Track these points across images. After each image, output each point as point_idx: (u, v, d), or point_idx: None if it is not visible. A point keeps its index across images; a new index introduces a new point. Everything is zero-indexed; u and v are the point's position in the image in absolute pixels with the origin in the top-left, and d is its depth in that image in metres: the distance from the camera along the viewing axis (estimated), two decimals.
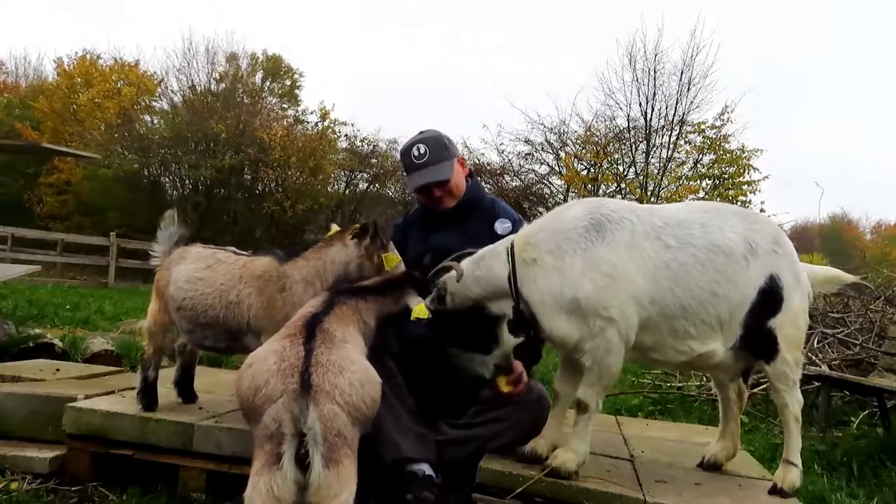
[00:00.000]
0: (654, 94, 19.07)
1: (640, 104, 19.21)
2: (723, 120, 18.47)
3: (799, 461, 2.53)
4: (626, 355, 2.55)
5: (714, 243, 2.45)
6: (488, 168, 19.15)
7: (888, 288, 7.02)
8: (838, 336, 6.25)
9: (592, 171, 19.42)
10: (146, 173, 22.26)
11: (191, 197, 21.46)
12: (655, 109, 19.11)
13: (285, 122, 24.33)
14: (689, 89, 18.80)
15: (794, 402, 2.53)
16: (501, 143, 20.18)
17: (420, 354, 2.73)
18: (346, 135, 23.54)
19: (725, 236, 2.47)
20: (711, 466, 2.75)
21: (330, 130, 23.56)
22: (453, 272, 2.51)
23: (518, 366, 2.69)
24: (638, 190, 18.37)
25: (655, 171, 18.87)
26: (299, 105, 28.07)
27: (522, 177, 19.36)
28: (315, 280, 2.62)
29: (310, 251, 2.72)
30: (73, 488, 2.76)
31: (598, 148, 18.96)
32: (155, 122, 24.52)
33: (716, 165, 18.74)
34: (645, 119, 19.19)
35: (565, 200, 18.90)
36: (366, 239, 2.66)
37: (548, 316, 2.43)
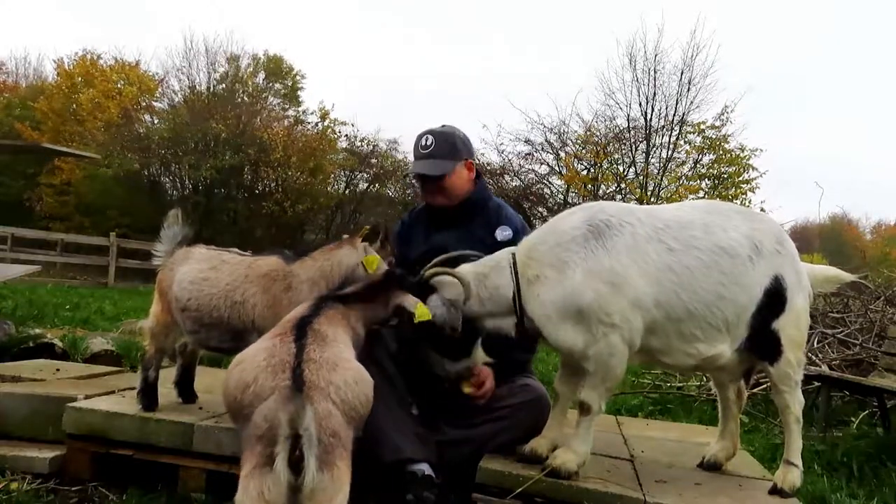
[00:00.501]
0: (654, 94, 19.15)
1: (640, 104, 19.27)
2: (722, 120, 18.50)
3: (799, 461, 2.53)
4: (636, 359, 2.55)
5: (718, 245, 2.44)
6: (488, 168, 19.17)
7: (888, 288, 7.02)
8: (838, 336, 6.24)
9: (592, 171, 19.44)
10: (146, 173, 22.29)
11: (191, 197, 21.47)
12: (655, 109, 19.17)
13: (286, 123, 24.35)
14: (689, 89, 18.87)
15: (795, 403, 2.53)
16: (501, 143, 20.25)
17: (419, 355, 2.73)
18: (346, 135, 23.58)
19: (729, 237, 2.46)
20: (711, 466, 2.75)
21: (330, 130, 23.56)
22: (453, 290, 2.43)
23: (483, 371, 2.68)
24: (638, 190, 18.39)
25: (655, 171, 18.89)
26: (300, 105, 28.12)
27: (522, 177, 19.40)
28: (321, 280, 2.61)
29: (318, 252, 2.72)
30: (73, 488, 2.75)
31: (598, 148, 18.99)
32: (155, 122, 24.53)
33: (715, 165, 18.76)
34: (645, 119, 19.23)
35: (565, 200, 18.93)
36: (376, 242, 2.66)
37: (553, 328, 2.42)
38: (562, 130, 19.56)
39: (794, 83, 67.21)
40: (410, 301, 2.38)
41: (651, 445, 3.11)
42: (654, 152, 19.16)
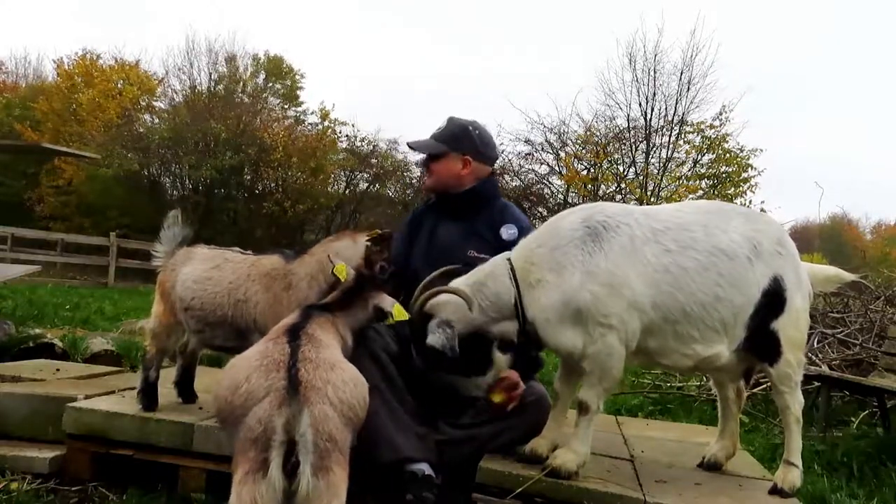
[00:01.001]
0: (654, 94, 19.13)
1: (640, 104, 19.26)
2: (721, 120, 18.50)
3: (799, 462, 2.53)
4: (634, 360, 2.55)
5: (716, 246, 2.44)
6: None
7: (888, 288, 7.02)
8: (838, 336, 6.24)
9: (592, 171, 19.43)
10: (146, 173, 22.27)
11: (191, 197, 21.45)
12: (655, 109, 19.16)
13: (286, 123, 24.35)
14: (688, 89, 18.86)
15: (795, 403, 2.53)
16: (501, 143, 20.16)
17: (434, 375, 2.72)
18: (346, 135, 23.57)
19: (729, 238, 2.46)
20: (711, 466, 2.75)
21: (330, 131, 23.55)
22: (452, 307, 2.40)
23: (511, 373, 2.66)
24: (638, 190, 18.39)
25: (655, 171, 18.88)
26: (300, 105, 28.11)
27: (522, 177, 19.37)
28: (318, 274, 2.62)
29: (317, 246, 2.73)
30: (73, 488, 2.75)
31: (598, 148, 18.98)
32: (155, 122, 24.52)
33: (715, 165, 18.77)
34: (645, 119, 19.22)
35: (565, 200, 18.92)
36: (377, 246, 2.66)
37: (553, 332, 2.42)
38: (562, 130, 19.57)
39: (793, 83, 67.25)
40: (387, 301, 2.39)
41: (651, 445, 3.11)
42: (654, 152, 19.16)
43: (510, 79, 51.63)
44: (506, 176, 19.54)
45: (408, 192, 22.07)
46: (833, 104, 74.69)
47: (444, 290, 2.42)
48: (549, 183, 20.06)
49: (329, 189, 23.24)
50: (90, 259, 17.04)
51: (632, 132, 19.19)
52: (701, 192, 18.28)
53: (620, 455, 2.86)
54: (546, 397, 2.79)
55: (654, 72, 19.09)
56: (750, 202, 17.94)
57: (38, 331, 5.54)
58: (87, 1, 59.64)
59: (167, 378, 3.06)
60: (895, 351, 5.28)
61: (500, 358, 2.53)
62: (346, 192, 23.52)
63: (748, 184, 18.39)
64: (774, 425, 4.76)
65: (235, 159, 20.65)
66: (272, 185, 22.03)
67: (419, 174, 21.98)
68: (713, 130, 18.61)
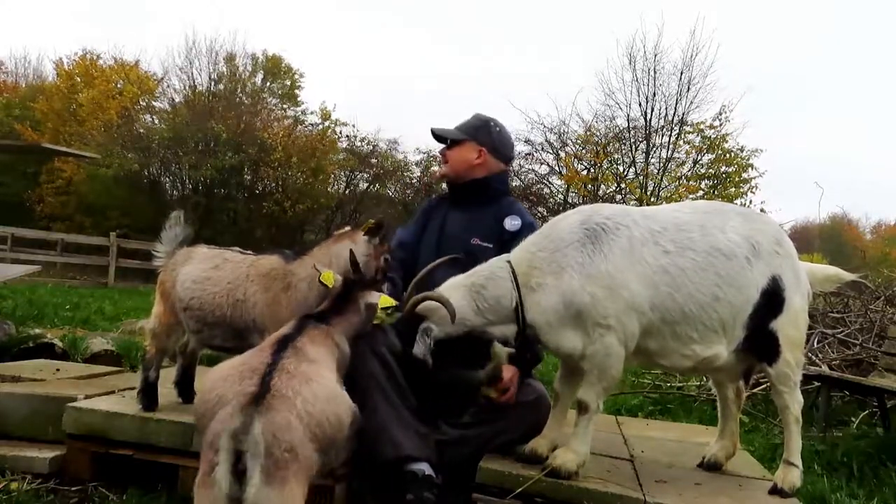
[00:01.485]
0: (654, 94, 19.12)
1: (640, 104, 19.25)
2: (721, 120, 18.50)
3: (799, 462, 2.53)
4: (633, 360, 2.56)
5: (714, 246, 2.44)
6: None
7: (888, 288, 7.02)
8: (838, 336, 6.24)
9: (592, 171, 19.43)
10: (146, 173, 22.26)
11: (191, 197, 21.44)
12: (655, 109, 19.15)
13: (286, 123, 24.34)
14: (688, 89, 18.85)
15: (794, 403, 2.53)
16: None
17: (431, 369, 2.72)
18: (346, 135, 23.57)
19: (727, 238, 2.46)
20: (711, 466, 2.75)
21: (330, 131, 23.55)
22: (443, 312, 2.37)
23: (508, 372, 2.67)
24: (638, 190, 18.39)
25: (655, 171, 18.88)
26: (299, 105, 28.10)
27: (522, 177, 19.36)
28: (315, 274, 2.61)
29: (316, 248, 2.73)
30: (73, 488, 2.75)
31: (598, 148, 18.98)
32: (155, 122, 24.52)
33: (715, 165, 18.76)
34: (645, 119, 19.22)
35: (565, 200, 18.93)
36: (377, 238, 2.66)
37: (554, 334, 2.42)
38: (562, 130, 19.57)
39: (793, 83, 67.25)
40: (375, 296, 2.40)
41: (651, 445, 3.11)
42: (654, 152, 19.15)
43: (510, 79, 51.71)
44: None
45: (408, 192, 22.08)
46: (833, 104, 74.75)
47: (433, 296, 2.39)
48: (549, 183, 20.08)
49: (329, 189, 23.24)
50: (90, 259, 17.04)
51: (632, 132, 19.19)
52: (701, 193, 18.27)
53: (620, 455, 2.87)
54: (545, 397, 2.79)
55: (654, 72, 19.09)
56: (750, 202, 17.94)
57: (38, 331, 5.54)
58: (87, 1, 59.68)
59: (167, 378, 3.06)
60: (895, 351, 5.28)
61: (501, 350, 2.53)
62: (346, 192, 23.52)
63: (749, 184, 18.40)
64: (774, 425, 4.76)
65: (235, 159, 20.65)
66: (272, 185, 22.02)
67: (419, 174, 22.02)
68: (713, 131, 18.61)
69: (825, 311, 6.90)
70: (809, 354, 5.66)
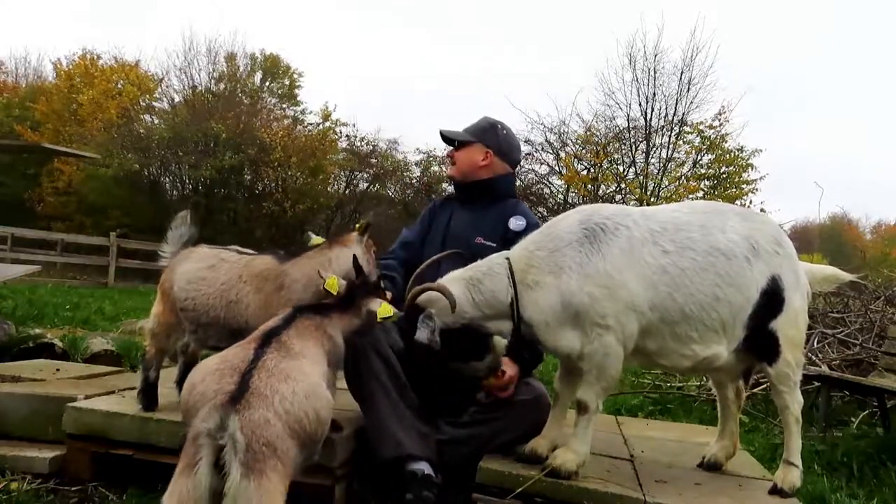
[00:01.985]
0: (654, 94, 19.12)
1: (640, 104, 19.26)
2: (720, 120, 18.50)
3: (799, 461, 2.53)
4: (633, 360, 2.56)
5: (714, 246, 2.44)
6: None
7: (888, 288, 7.03)
8: (838, 336, 6.24)
9: (592, 171, 19.43)
10: (146, 173, 22.27)
11: (191, 197, 21.45)
12: (655, 109, 19.15)
13: (285, 123, 24.34)
14: (688, 89, 18.85)
15: (794, 403, 2.53)
16: None
17: (431, 359, 2.73)
18: (346, 135, 23.58)
19: (727, 238, 2.46)
20: (711, 466, 2.75)
21: (331, 131, 23.55)
22: (443, 302, 2.39)
23: (511, 369, 2.68)
24: (638, 190, 18.39)
25: (655, 171, 18.88)
26: (299, 105, 28.11)
27: (522, 177, 19.34)
28: (317, 279, 2.61)
29: (312, 251, 2.72)
30: (73, 488, 2.75)
31: (598, 148, 18.98)
32: (155, 122, 24.53)
33: (715, 165, 18.77)
34: (645, 119, 19.22)
35: (565, 200, 18.93)
36: (366, 235, 2.67)
37: (552, 334, 2.42)
38: (562, 130, 19.57)
39: (794, 83, 67.25)
40: (376, 303, 2.41)
41: (651, 445, 3.11)
42: (654, 152, 19.16)
43: (510, 79, 51.70)
44: None
45: (408, 192, 22.08)
46: (833, 104, 74.81)
47: (433, 287, 2.42)
48: (549, 183, 20.08)
49: (329, 189, 23.26)
50: (90, 259, 17.05)
51: (632, 132, 19.19)
52: (701, 193, 18.28)
53: (620, 455, 2.86)
54: (545, 397, 2.79)
55: (654, 72, 19.10)
56: (750, 202, 17.95)
57: (38, 331, 5.54)
58: (87, 1, 59.66)
59: (167, 378, 3.06)
60: (895, 351, 5.28)
61: (500, 342, 2.54)
62: (346, 192, 23.53)
63: (749, 185, 18.40)
64: (774, 425, 4.76)
65: (235, 159, 20.66)
66: (272, 185, 22.03)
67: (419, 174, 22.03)
68: (713, 131, 18.62)
69: (825, 311, 6.90)
70: (809, 354, 5.66)
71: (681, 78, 18.84)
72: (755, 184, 18.36)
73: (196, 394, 1.87)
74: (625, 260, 2.38)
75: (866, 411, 5.14)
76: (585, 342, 2.39)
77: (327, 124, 23.88)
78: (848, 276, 2.80)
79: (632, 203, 17.37)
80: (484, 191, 3.13)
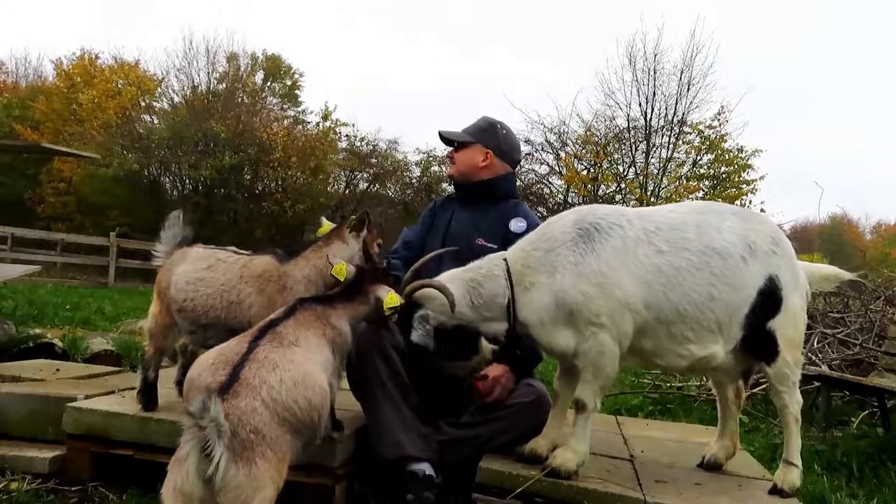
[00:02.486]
0: (654, 94, 19.14)
1: (640, 104, 19.29)
2: (720, 120, 18.51)
3: (799, 461, 2.53)
4: (630, 360, 2.55)
5: (709, 246, 2.44)
6: None
7: (888, 288, 7.02)
8: (838, 336, 6.24)
9: (592, 171, 19.44)
10: (146, 173, 22.28)
11: (191, 197, 21.46)
12: (655, 109, 19.17)
13: (285, 123, 24.35)
14: (688, 89, 18.89)
15: (793, 402, 2.53)
16: None
17: (419, 354, 2.73)
18: (346, 135, 23.58)
19: (722, 237, 2.46)
20: (711, 466, 2.75)
21: (331, 131, 23.56)
22: (440, 301, 2.40)
23: (497, 370, 2.70)
24: (638, 190, 18.40)
25: (655, 171, 18.89)
26: (299, 105, 28.11)
27: (522, 177, 19.36)
28: (318, 279, 2.60)
29: (310, 250, 2.71)
30: (73, 488, 2.75)
31: (598, 148, 18.99)
32: (155, 122, 24.53)
33: (715, 165, 18.78)
34: (645, 119, 19.24)
35: (565, 200, 18.94)
36: (363, 230, 2.66)
37: (547, 333, 2.42)
38: (562, 130, 19.60)
39: (794, 83, 67.24)
40: (384, 291, 2.39)
41: (651, 445, 3.11)
42: (654, 152, 19.18)
43: (510, 79, 51.71)
44: None
45: (408, 191, 22.09)
46: (834, 104, 74.81)
47: (433, 284, 2.41)
48: (549, 183, 20.10)
49: (329, 189, 23.26)
50: (90, 259, 17.07)
51: (632, 132, 19.21)
52: (701, 193, 18.29)
53: (620, 455, 2.86)
54: (546, 397, 2.79)
55: (654, 72, 19.13)
56: (750, 202, 17.96)
57: (38, 331, 5.53)
58: (87, 1, 59.65)
59: (167, 378, 3.06)
60: (895, 351, 5.28)
61: (486, 347, 2.56)
62: (346, 192, 23.54)
63: (749, 185, 18.41)
64: (774, 425, 4.76)
65: (235, 159, 20.67)
66: (272, 185, 22.04)
67: (419, 174, 22.03)
68: (712, 131, 18.62)
69: (825, 311, 6.90)
70: (809, 354, 5.66)
71: (681, 78, 18.89)
72: (754, 184, 18.39)
73: (193, 388, 1.92)
74: (619, 259, 2.38)
75: (866, 411, 5.14)
76: (580, 340, 2.39)
77: (327, 124, 23.89)
78: (847, 276, 2.79)
79: (632, 203, 17.37)
80: (485, 191, 3.12)
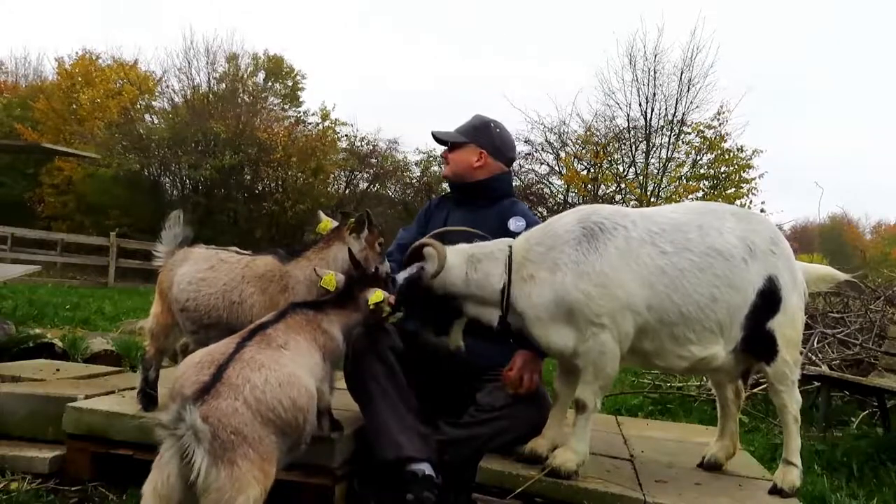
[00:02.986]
0: (654, 94, 19.12)
1: (640, 104, 19.26)
2: (719, 120, 18.50)
3: (799, 461, 2.53)
4: (630, 361, 2.55)
5: (712, 247, 2.44)
6: None
7: (888, 288, 7.02)
8: (838, 336, 6.24)
9: (592, 171, 19.43)
10: (146, 173, 22.27)
11: (191, 197, 21.45)
12: (655, 109, 19.15)
13: (286, 123, 24.35)
14: (688, 89, 18.86)
15: (793, 402, 2.53)
16: None
17: (418, 354, 2.74)
18: (346, 135, 23.58)
19: (724, 238, 2.46)
20: (711, 466, 2.75)
21: (331, 131, 23.55)
22: (436, 257, 2.45)
23: (517, 360, 2.70)
24: (638, 190, 18.39)
25: (655, 171, 18.88)
26: (300, 106, 28.11)
27: (522, 177, 19.37)
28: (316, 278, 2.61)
29: (311, 251, 2.71)
30: (73, 488, 2.75)
31: (598, 148, 18.98)
32: (155, 121, 24.53)
33: (715, 165, 18.77)
34: (645, 119, 19.22)
35: (565, 200, 18.93)
36: (363, 230, 2.66)
37: (544, 329, 2.42)
38: (562, 130, 19.58)
39: (794, 83, 67.23)
40: (371, 292, 2.41)
41: (651, 445, 3.11)
42: (654, 152, 19.16)
43: (510, 79, 51.69)
44: None
45: (408, 191, 22.08)
46: (834, 104, 74.81)
47: (432, 243, 2.47)
48: (549, 183, 20.09)
49: (329, 189, 23.24)
50: (90, 259, 17.06)
51: (632, 132, 19.19)
52: (701, 193, 18.28)
53: (620, 455, 2.86)
54: (546, 397, 2.79)
55: (654, 72, 19.10)
56: (750, 202, 17.96)
57: (38, 331, 5.54)
58: (87, 1, 59.66)
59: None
60: (895, 351, 5.28)
61: (457, 334, 2.59)
62: (346, 192, 23.53)
63: (749, 185, 18.41)
64: (774, 425, 4.76)
65: (235, 159, 20.65)
66: (272, 185, 22.04)
67: (419, 174, 22.02)
68: (712, 131, 18.62)
69: (825, 311, 6.90)
70: (809, 354, 5.66)
71: (681, 78, 18.87)
72: (753, 182, 18.38)
73: (177, 387, 1.92)
74: (622, 259, 2.38)
75: (866, 411, 5.14)
76: (580, 340, 2.39)
77: (327, 123, 23.88)
78: (843, 276, 2.80)
79: (631, 203, 17.37)
80: (481, 192, 3.10)
